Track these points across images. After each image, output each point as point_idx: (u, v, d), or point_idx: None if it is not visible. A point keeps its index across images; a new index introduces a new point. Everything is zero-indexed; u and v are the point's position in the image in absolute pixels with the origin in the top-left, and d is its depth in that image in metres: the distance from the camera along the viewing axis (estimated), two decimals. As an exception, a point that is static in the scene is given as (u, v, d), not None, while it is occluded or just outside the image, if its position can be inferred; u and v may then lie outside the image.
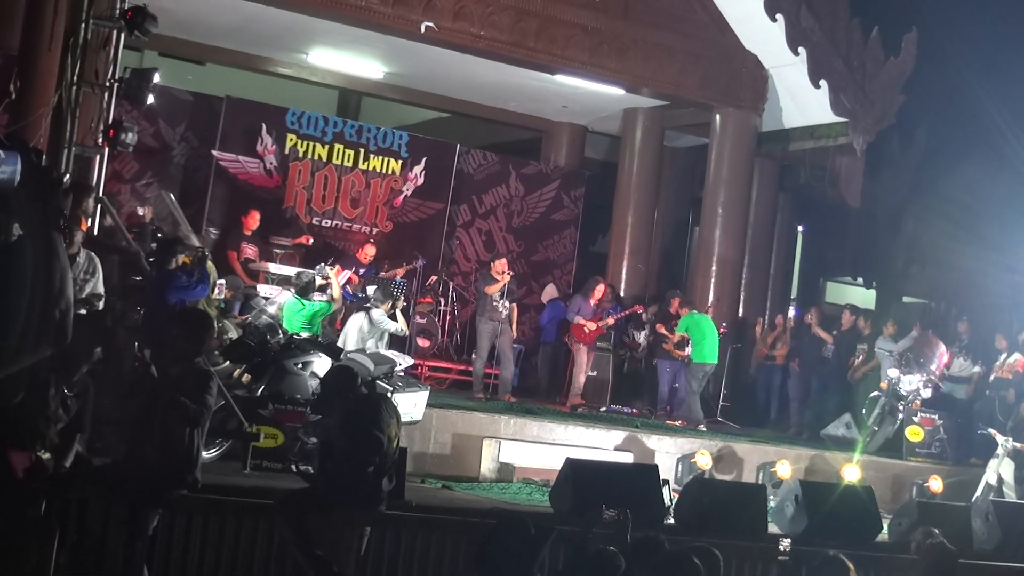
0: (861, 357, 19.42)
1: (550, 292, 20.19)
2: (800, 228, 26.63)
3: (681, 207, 25.63)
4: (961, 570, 9.07)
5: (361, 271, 18.01)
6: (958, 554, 9.05)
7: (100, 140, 13.09)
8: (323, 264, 15.97)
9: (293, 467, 10.24)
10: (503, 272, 17.50)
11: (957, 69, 24.49)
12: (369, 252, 18.77)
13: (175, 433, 8.09)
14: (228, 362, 12.97)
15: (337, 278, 15.95)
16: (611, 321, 18.89)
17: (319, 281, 15.23)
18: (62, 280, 4.03)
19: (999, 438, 16.21)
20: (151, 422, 8.11)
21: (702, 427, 17.55)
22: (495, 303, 17.32)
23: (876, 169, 24.28)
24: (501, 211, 22.25)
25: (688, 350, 18.43)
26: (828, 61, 20.22)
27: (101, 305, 11.79)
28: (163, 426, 8.09)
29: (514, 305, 17.96)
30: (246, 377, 12.74)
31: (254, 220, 18.16)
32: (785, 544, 8.39)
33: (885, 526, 13.00)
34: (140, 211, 16.52)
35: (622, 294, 21.56)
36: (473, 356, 18.41)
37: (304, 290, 14.81)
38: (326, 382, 9.85)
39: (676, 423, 17.74)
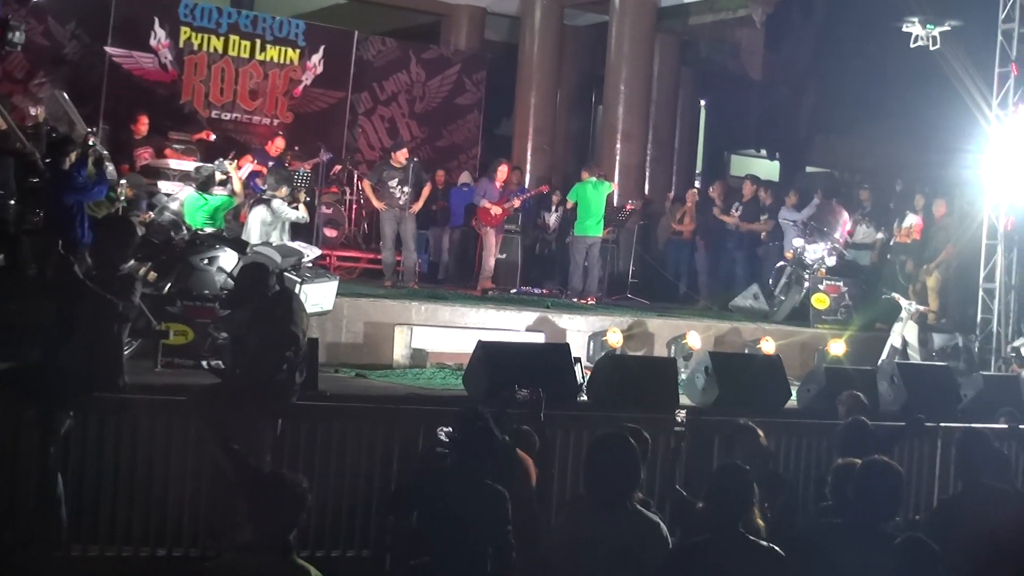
0: (764, 234, 19.57)
1: (464, 178, 20.11)
2: (703, 102, 26.71)
3: (584, 86, 25.60)
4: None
5: (270, 163, 17.80)
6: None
7: (-13, 40, 12.76)
8: (222, 159, 15.77)
9: (204, 364, 10.18)
10: (403, 162, 17.33)
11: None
12: (278, 144, 18.52)
13: (103, 335, 8.04)
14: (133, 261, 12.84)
15: (239, 171, 15.76)
16: (517, 203, 18.84)
17: (219, 176, 15.05)
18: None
19: (902, 302, 16.49)
20: (71, 325, 8.03)
21: (580, 301, 17.58)
22: (392, 190, 17.16)
23: (777, 41, 24.38)
24: (403, 97, 22.08)
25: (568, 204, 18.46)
26: (725, -67, 20.19)
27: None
28: (89, 329, 8.03)
29: (428, 185, 17.81)
30: (152, 275, 12.59)
31: (143, 125, 17.73)
32: (681, 415, 8.49)
33: (794, 393, 13.21)
34: (33, 111, 16.16)
35: (528, 175, 21.56)
36: (380, 244, 18.34)
37: (204, 184, 14.62)
38: (239, 278, 9.77)
39: (587, 300, 17.81)
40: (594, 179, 18.10)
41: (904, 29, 17.81)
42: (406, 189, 17.18)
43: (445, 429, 7.66)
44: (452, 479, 6.99)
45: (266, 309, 8.96)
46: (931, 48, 17.67)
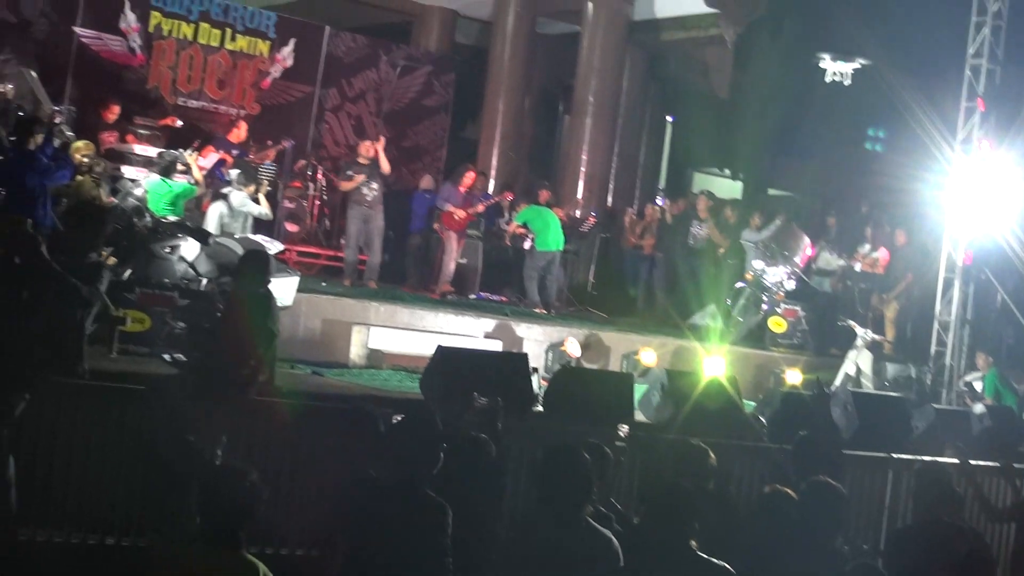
0: (724, 249, 19.63)
1: (427, 183, 20.06)
2: (669, 119, 26.76)
3: (552, 95, 25.60)
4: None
5: (233, 152, 17.70)
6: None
7: (-47, 14, 12.62)
8: (182, 150, 15.71)
9: (166, 356, 10.14)
10: (367, 154, 17.33)
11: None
12: (240, 132, 18.42)
13: (65, 320, 7.97)
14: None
15: (205, 159, 15.69)
16: (480, 208, 18.86)
17: (180, 165, 15.00)
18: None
19: (858, 330, 16.62)
20: (34, 306, 7.96)
21: (537, 310, 17.59)
22: (362, 188, 17.14)
23: (745, 61, 24.43)
24: (371, 96, 22.02)
25: (526, 244, 18.44)
26: (701, -49, 20.24)
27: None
28: (51, 312, 7.96)
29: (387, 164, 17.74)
30: (112, 260, 12.50)
31: (113, 113, 17.61)
32: (624, 430, 8.54)
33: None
34: (1, 88, 16.02)
35: (492, 181, 21.54)
36: (342, 241, 18.28)
37: (166, 170, 14.57)
38: (242, 262, 9.67)
39: (542, 310, 17.81)
40: (544, 205, 18.33)
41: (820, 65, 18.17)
42: (374, 185, 17.15)
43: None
44: (389, 489, 6.61)
45: (248, 302, 8.93)
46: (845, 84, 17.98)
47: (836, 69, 21.00)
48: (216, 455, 8.78)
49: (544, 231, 18.04)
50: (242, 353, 8.74)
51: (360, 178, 17.17)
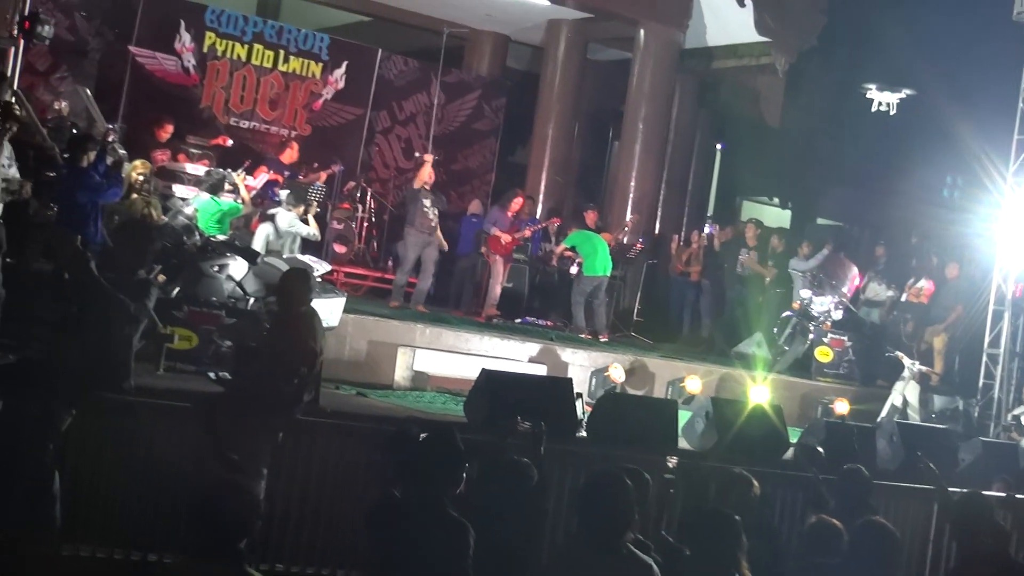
0: (770, 278, 19.57)
1: (475, 207, 20.10)
2: (719, 146, 26.73)
3: (602, 121, 25.60)
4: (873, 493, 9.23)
5: (285, 173, 17.83)
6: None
7: (15, 32, 12.79)
8: (230, 170, 15.83)
9: (212, 375, 10.19)
10: (428, 161, 17.49)
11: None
12: (292, 153, 18.52)
13: (113, 336, 8.03)
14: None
15: (256, 179, 15.80)
16: (527, 233, 18.90)
17: (227, 185, 15.11)
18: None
19: (906, 361, 16.50)
20: (83, 322, 8.03)
21: (583, 335, 17.56)
22: (425, 209, 17.21)
23: (795, 90, 24.41)
24: (421, 119, 22.10)
25: (573, 268, 18.43)
26: (753, -21, 20.21)
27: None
28: (100, 327, 8.02)
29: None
30: (161, 277, 12.60)
31: (166, 132, 17.73)
32: (672, 462, 8.52)
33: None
34: (57, 105, 16.20)
35: (540, 205, 21.56)
36: (390, 263, 18.34)
37: (214, 189, 14.67)
38: (283, 280, 9.70)
39: (588, 335, 17.80)
40: (593, 230, 18.37)
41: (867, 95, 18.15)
42: (435, 212, 17.26)
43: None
44: (410, 508, 6.58)
45: (292, 322, 8.96)
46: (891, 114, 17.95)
47: (882, 99, 20.98)
48: (261, 473, 8.85)
49: (592, 256, 18.03)
50: (286, 372, 8.75)
51: (429, 158, 17.41)
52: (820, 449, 10.43)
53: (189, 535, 6.20)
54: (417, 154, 18.21)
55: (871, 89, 20.37)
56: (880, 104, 20.44)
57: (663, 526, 8.05)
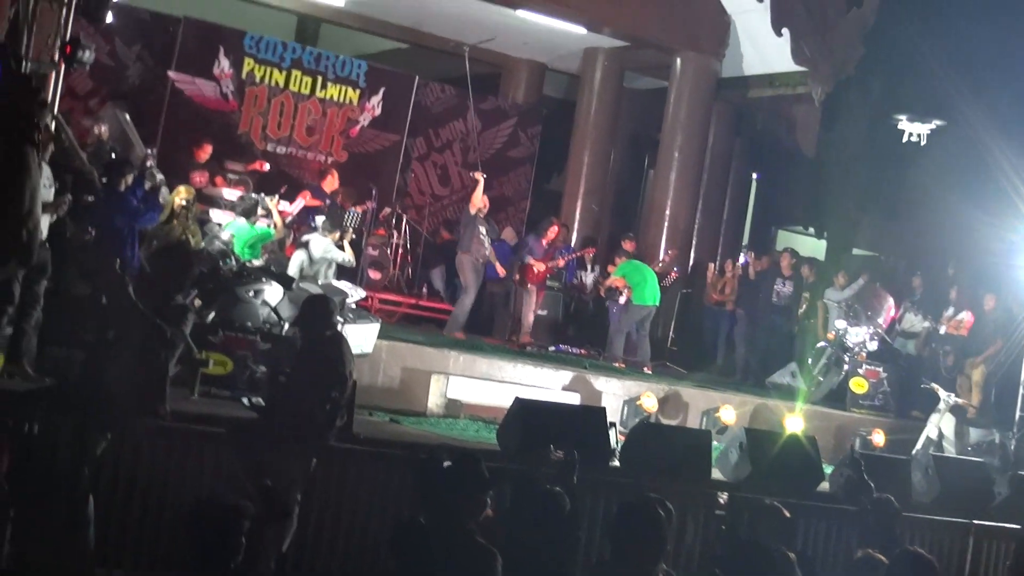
0: (804, 307, 19.52)
1: (509, 235, 20.13)
2: (755, 175, 26.68)
3: (637, 149, 25.60)
4: (901, 524, 9.19)
5: (327, 201, 17.92)
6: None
7: (56, 57, 12.85)
8: (262, 195, 15.91)
9: (245, 400, 10.22)
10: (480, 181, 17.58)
11: (915, 25, 24.49)
12: (333, 181, 18.59)
13: (149, 361, 8.08)
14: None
15: (292, 205, 15.88)
16: (561, 263, 18.92)
17: (260, 210, 15.18)
18: (32, 199, 3.95)
19: (941, 393, 16.39)
20: (117, 347, 8.07)
21: (617, 364, 17.52)
22: (482, 236, 17.27)
23: (831, 119, 24.33)
24: (457, 145, 22.17)
25: (622, 298, 18.41)
26: (791, 9, 20.17)
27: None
28: (136, 352, 8.06)
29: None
30: (197, 302, 12.65)
31: (205, 153, 17.87)
32: (723, 497, 8.50)
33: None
34: (96, 129, 16.30)
35: (575, 234, 21.55)
36: (424, 289, 18.32)
37: (247, 213, 14.73)
38: (304, 308, 9.76)
39: (622, 365, 17.78)
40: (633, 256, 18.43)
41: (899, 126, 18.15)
42: (490, 240, 17.34)
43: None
44: (434, 533, 6.61)
45: (318, 347, 8.99)
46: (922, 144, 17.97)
47: (913, 129, 20.94)
48: (295, 499, 8.88)
49: (642, 285, 18.06)
50: (317, 398, 8.77)
51: (480, 177, 17.68)
52: (869, 482, 10.41)
53: (222, 557, 6.22)
54: (473, 174, 18.24)
55: (902, 120, 20.32)
56: (911, 135, 20.36)
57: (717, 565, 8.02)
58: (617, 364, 17.50)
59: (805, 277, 19.76)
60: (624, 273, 18.34)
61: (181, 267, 8.93)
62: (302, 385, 8.84)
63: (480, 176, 17.88)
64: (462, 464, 7.01)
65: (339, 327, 12.72)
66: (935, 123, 20.12)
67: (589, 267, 20.23)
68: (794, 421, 14.83)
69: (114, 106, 17.88)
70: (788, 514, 8.49)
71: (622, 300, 18.40)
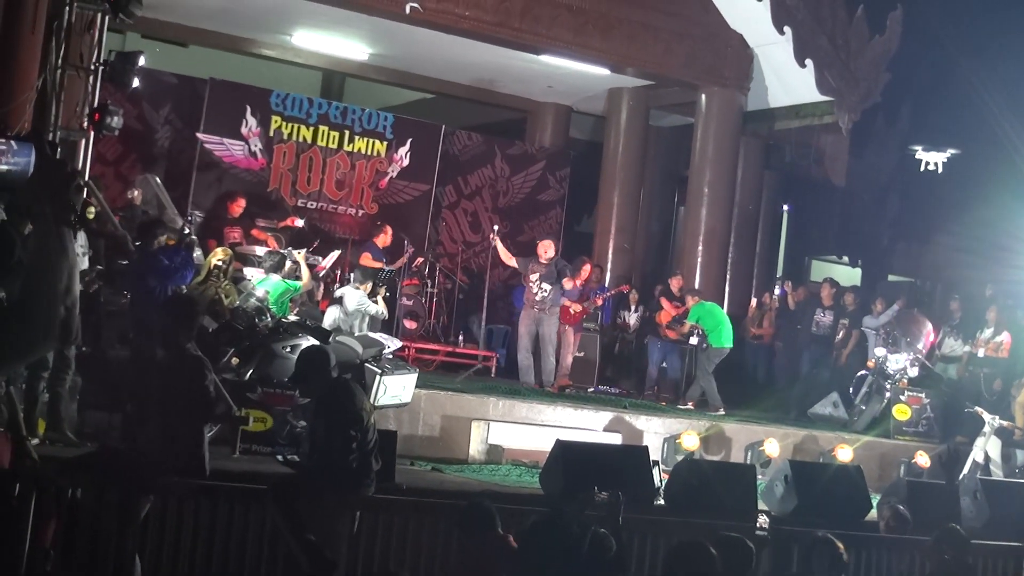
0: (841, 334, 19.41)
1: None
2: (786, 207, 26.64)
3: (667, 186, 25.61)
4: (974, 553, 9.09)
5: (384, 259, 18.02)
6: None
7: (85, 124, 13.01)
8: (290, 249, 15.98)
9: (280, 457, 10.24)
10: (545, 255, 17.36)
11: (942, 47, 24.49)
12: (386, 238, 18.63)
13: (181, 423, 8.10)
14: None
15: (324, 260, 15.95)
16: (598, 302, 18.89)
17: (289, 264, 15.24)
18: (69, 278, 3.94)
19: (985, 416, 16.23)
20: (148, 409, 8.09)
21: (721, 411, 17.44)
22: (531, 283, 17.24)
23: (861, 147, 24.31)
24: (487, 192, 22.23)
25: (693, 340, 18.39)
26: (813, 39, 20.15)
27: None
28: (166, 415, 8.09)
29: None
30: (235, 360, 12.69)
31: (239, 207, 18.05)
32: (762, 520, 8.41)
33: (874, 505, 13.00)
34: (130, 194, 16.46)
35: (608, 274, 21.54)
36: (460, 337, 18.30)
37: (275, 268, 14.79)
38: (299, 361, 9.82)
39: (662, 403, 17.73)
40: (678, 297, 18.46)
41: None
42: (546, 287, 17.18)
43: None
44: None
45: (328, 395, 9.01)
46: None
47: (929, 159, 20.99)
48: (341, 554, 8.86)
49: (718, 328, 18.02)
50: (341, 444, 8.77)
51: (495, 238, 17.56)
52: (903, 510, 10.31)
53: None
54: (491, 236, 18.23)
55: (918, 150, 20.37)
56: (928, 164, 20.37)
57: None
58: (720, 411, 17.38)
59: (847, 306, 19.66)
60: (698, 317, 18.28)
61: (186, 314, 8.92)
62: (322, 435, 8.85)
63: (495, 238, 17.81)
64: (548, 523, 7.06)
65: (375, 377, 12.79)
66: (950, 152, 20.12)
67: (632, 307, 20.21)
68: (839, 452, 14.75)
69: (144, 170, 18.06)
70: (842, 547, 8.42)
71: (694, 341, 18.36)
